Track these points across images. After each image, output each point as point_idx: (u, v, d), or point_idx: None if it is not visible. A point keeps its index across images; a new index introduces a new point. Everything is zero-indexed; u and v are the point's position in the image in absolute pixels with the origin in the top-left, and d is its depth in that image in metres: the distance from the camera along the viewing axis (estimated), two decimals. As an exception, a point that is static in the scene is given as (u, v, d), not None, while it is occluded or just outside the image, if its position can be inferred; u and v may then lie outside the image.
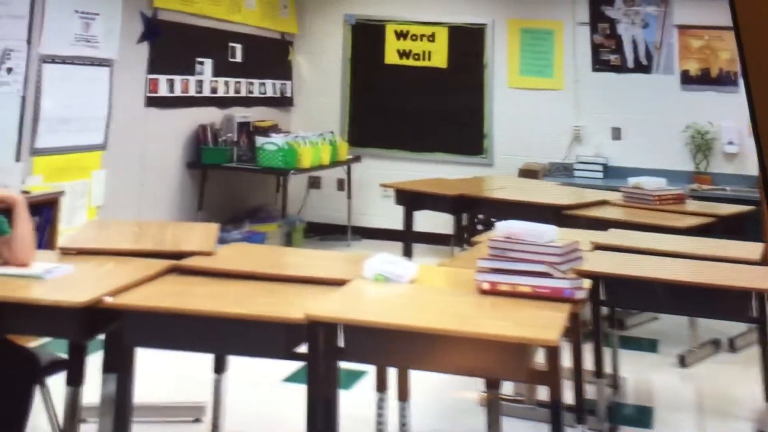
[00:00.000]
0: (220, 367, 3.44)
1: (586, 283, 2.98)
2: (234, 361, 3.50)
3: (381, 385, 3.26)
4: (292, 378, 4.14)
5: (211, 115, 6.99)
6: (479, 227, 6.61)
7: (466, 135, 7.98)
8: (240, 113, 7.27)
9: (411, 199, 5.81)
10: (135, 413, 3.17)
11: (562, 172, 7.51)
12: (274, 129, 7.43)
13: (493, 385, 3.28)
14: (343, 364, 2.66)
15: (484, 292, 2.85)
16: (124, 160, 5.87)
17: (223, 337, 2.73)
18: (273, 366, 3.76)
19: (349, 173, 7.86)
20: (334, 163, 7.43)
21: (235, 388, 3.61)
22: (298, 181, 7.87)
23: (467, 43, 8.02)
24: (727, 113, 7.16)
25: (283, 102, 8.17)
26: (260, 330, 2.66)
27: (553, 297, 2.76)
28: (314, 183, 8.17)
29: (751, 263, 3.73)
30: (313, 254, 3.65)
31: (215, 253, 3.35)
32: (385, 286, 2.92)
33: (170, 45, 6.38)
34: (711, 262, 3.64)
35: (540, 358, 2.64)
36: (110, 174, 5.69)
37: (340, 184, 8.13)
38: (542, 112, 7.77)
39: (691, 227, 4.64)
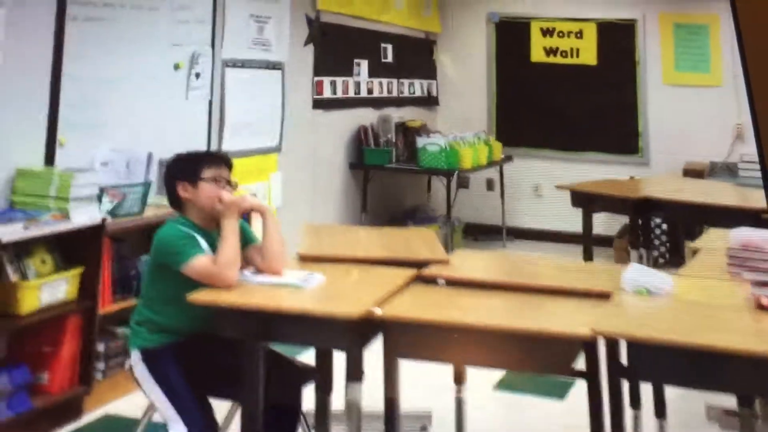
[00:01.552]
0: (459, 378, 3.37)
1: None
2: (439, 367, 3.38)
3: (635, 402, 3.14)
4: (500, 386, 4.08)
5: (368, 116, 6.99)
6: (658, 231, 6.43)
7: (620, 133, 7.79)
8: (392, 114, 7.25)
9: (588, 201, 5.66)
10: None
11: (725, 172, 7.24)
12: (424, 129, 7.39)
13: (745, 403, 3.14)
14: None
15: (762, 308, 2.71)
16: (296, 162, 5.90)
17: (506, 352, 2.64)
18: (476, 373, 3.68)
19: (501, 173, 7.75)
20: (490, 164, 7.33)
21: (447, 394, 3.54)
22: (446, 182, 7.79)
23: (617, 39, 7.82)
24: None
25: (429, 102, 8.12)
26: (539, 345, 2.57)
27: None
28: (462, 183, 8.08)
29: None
30: (548, 262, 3.56)
31: (451, 261, 3.29)
32: (652, 300, 2.81)
33: (332, 47, 6.40)
34: None
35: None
36: (285, 176, 5.72)
37: (489, 184, 8.02)
38: (700, 110, 7.51)
39: None
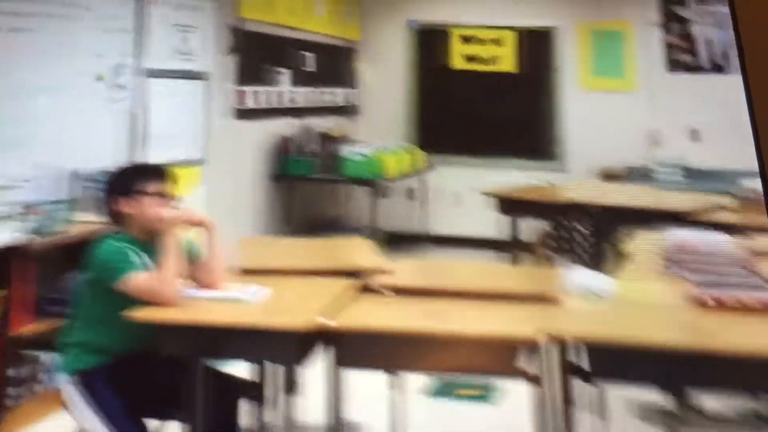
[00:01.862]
0: (395, 386, 3.32)
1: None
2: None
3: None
4: (426, 391, 4.08)
5: (291, 126, 6.92)
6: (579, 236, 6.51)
7: (538, 139, 7.91)
8: (315, 123, 7.20)
9: (515, 208, 5.72)
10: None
11: (641, 175, 7.41)
12: (346, 138, 7.36)
13: (681, 396, 3.20)
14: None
15: (706, 307, 2.75)
16: (219, 174, 5.79)
17: (442, 356, 2.63)
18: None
19: (423, 181, 7.77)
20: (413, 172, 7.35)
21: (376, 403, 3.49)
22: (365, 190, 7.75)
23: (536, 46, 7.94)
24: (809, 111, 7.09)
25: (350, 110, 8.09)
26: (483, 348, 2.57)
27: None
28: (384, 192, 8.06)
29: None
30: (488, 268, 3.57)
31: (397, 270, 3.26)
32: (599, 302, 2.84)
33: (255, 56, 6.30)
34: None
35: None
36: (209, 188, 5.61)
37: (410, 193, 8.04)
38: (616, 115, 7.68)
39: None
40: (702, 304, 2.76)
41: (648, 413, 3.77)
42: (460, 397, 4.09)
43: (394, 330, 2.64)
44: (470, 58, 8.06)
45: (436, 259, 7.30)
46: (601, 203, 5.36)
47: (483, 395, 4.08)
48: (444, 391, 4.15)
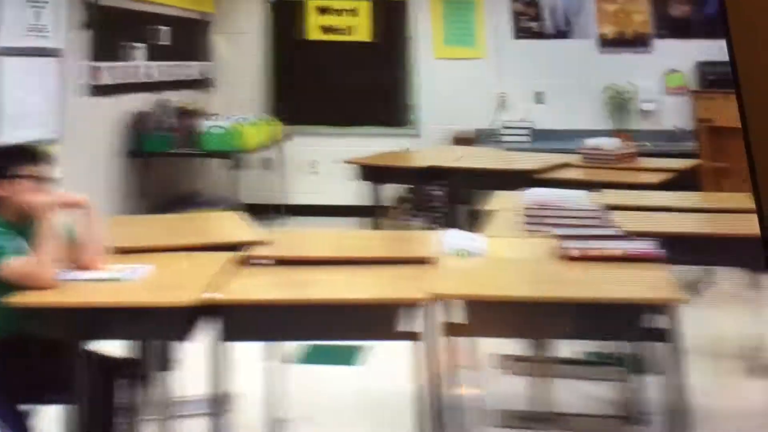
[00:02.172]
0: (270, 354, 3.40)
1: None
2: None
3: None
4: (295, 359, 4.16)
5: (146, 101, 6.81)
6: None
7: (393, 107, 8.08)
8: (170, 97, 7.11)
9: (376, 174, 5.87)
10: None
11: (489, 138, 7.71)
12: (203, 112, 7.30)
13: (541, 346, 3.41)
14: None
15: (572, 259, 2.94)
16: (75, 152, 5.63)
17: (330, 323, 2.73)
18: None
19: (281, 152, 7.81)
20: (271, 143, 7.39)
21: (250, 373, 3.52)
22: (222, 163, 7.68)
23: (390, 15, 8.08)
24: (643, 73, 7.60)
25: (206, 84, 8.00)
26: (371, 313, 2.68)
27: (646, 258, 2.88)
28: (242, 164, 8.02)
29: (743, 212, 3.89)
30: (363, 234, 3.69)
31: (274, 241, 3.32)
32: (474, 261, 3.00)
33: (109, 31, 6.16)
34: (721, 213, 3.86)
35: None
36: (64, 168, 5.45)
37: (267, 163, 8.05)
38: (467, 81, 7.93)
39: (664, 182, 4.89)
40: (568, 256, 2.96)
41: (508, 363, 4.00)
42: (329, 361, 4.19)
43: (279, 301, 2.72)
44: (326, 29, 8.12)
45: (296, 229, 7.36)
46: (455, 166, 5.56)
47: (352, 357, 4.21)
48: (313, 356, 4.24)
